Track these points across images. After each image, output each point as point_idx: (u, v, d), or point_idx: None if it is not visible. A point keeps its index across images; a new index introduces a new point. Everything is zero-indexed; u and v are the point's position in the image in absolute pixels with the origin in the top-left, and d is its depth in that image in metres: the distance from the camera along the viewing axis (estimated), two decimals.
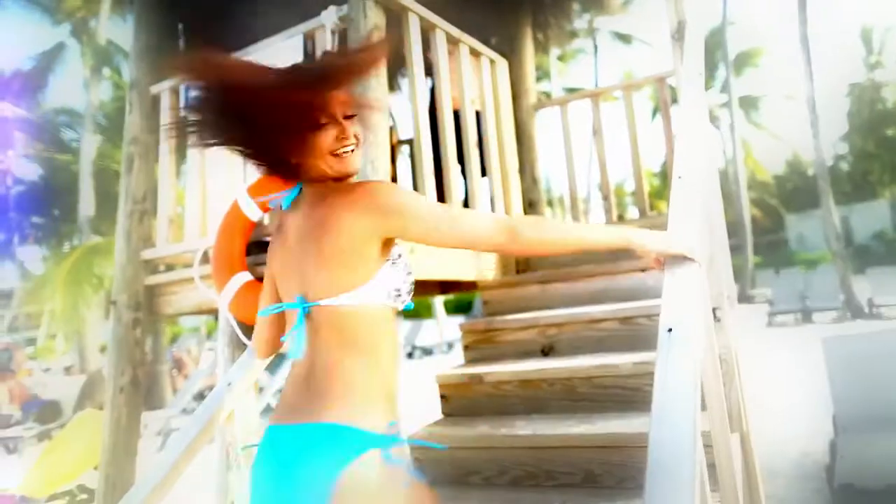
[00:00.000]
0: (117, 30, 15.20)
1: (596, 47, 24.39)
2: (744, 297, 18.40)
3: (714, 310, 1.83)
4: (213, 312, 2.84)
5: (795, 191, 35.71)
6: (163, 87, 3.12)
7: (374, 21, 2.44)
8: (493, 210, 3.23)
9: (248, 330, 2.55)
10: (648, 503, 0.79)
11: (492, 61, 3.31)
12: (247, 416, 1.53)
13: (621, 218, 4.17)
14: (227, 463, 2.13)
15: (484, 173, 3.22)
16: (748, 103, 26.78)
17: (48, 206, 17.65)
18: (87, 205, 14.40)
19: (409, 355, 14.95)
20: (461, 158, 3.07)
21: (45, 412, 10.08)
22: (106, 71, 15.78)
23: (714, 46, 21.46)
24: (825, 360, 4.23)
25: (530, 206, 3.90)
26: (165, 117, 3.06)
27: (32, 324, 22.68)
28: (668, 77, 3.64)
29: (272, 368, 11.27)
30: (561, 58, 23.18)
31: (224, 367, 2.48)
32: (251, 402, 1.56)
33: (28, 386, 11.89)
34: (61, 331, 16.37)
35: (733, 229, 19.47)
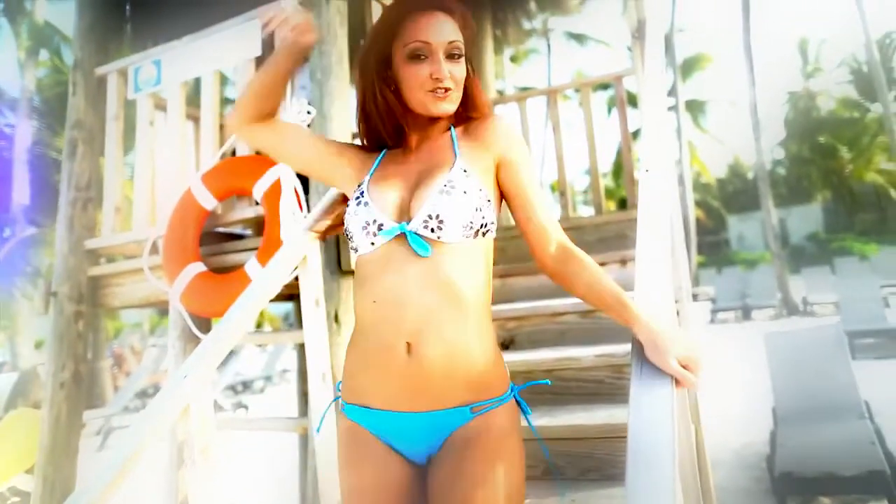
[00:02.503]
0: (56, 10, 14.48)
1: (549, 47, 24.73)
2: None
3: (675, 302, 1.87)
4: (162, 305, 2.73)
5: (736, 193, 37.17)
6: (109, 69, 2.97)
7: (336, 7, 2.39)
8: None
9: (200, 322, 2.46)
10: (631, 493, 0.79)
11: None
12: (203, 410, 1.46)
13: (574, 214, 4.22)
14: (179, 460, 2.05)
15: None
16: (694, 107, 27.67)
17: None
18: (21, 194, 13.66)
19: None
20: None
21: None
22: (44, 53, 15.00)
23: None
24: (767, 354, 4.41)
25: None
26: (112, 100, 2.92)
27: None
28: (626, 76, 3.69)
29: (220, 364, 10.99)
30: (514, 59, 23.39)
31: (176, 361, 2.39)
32: (208, 396, 1.50)
33: None
34: None
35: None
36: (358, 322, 1.12)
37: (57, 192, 3.09)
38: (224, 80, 3.78)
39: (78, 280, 2.88)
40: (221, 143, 2.76)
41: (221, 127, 3.18)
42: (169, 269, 2.43)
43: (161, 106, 2.89)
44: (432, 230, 1.07)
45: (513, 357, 2.26)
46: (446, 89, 1.13)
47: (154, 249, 2.64)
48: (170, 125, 2.76)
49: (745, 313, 13.63)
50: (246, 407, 9.65)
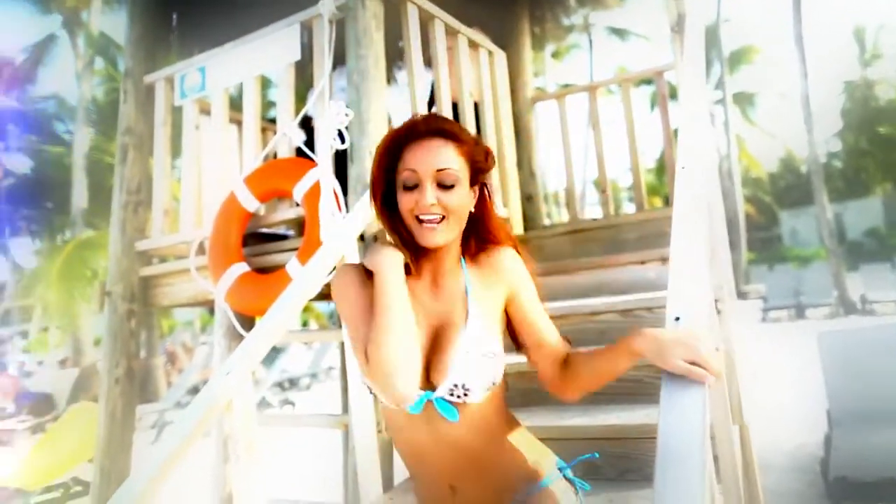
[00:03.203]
0: (110, 21, 15.08)
1: (591, 43, 24.38)
2: (738, 294, 18.49)
3: (715, 301, 1.83)
4: (209, 304, 2.81)
5: (789, 188, 35.90)
6: (157, 77, 3.09)
7: (372, 11, 2.42)
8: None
9: (244, 320, 2.53)
10: (659, 493, 0.78)
11: (490, 53, 3.29)
12: (246, 406, 1.51)
13: (617, 213, 4.17)
14: (225, 455, 2.12)
15: None
16: (743, 100, 26.86)
17: (40, 199, 17.50)
18: (80, 197, 14.30)
19: None
20: None
21: (39, 405, 10.03)
22: (99, 63, 15.64)
23: (709, 44, 21.38)
24: (820, 355, 4.25)
25: (528, 200, 3.89)
26: (160, 106, 3.03)
27: (25, 317, 22.53)
28: (667, 71, 3.62)
29: (267, 362, 11.26)
30: (555, 55, 23.16)
31: (221, 358, 2.46)
32: (249, 392, 1.54)
33: (20, 379, 11.84)
34: (55, 324, 16.27)
35: (728, 226, 19.55)
36: (400, 454, 1.20)
37: (111, 196, 3.22)
38: (267, 84, 3.88)
39: (130, 280, 3.00)
40: (263, 146, 2.84)
41: (263, 130, 3.26)
42: (214, 269, 2.51)
43: (206, 111, 2.98)
44: (458, 397, 1.09)
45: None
46: (437, 219, 1.10)
47: (201, 250, 2.73)
48: (214, 130, 2.84)
49: (799, 312, 13.18)
50: (292, 404, 9.85)
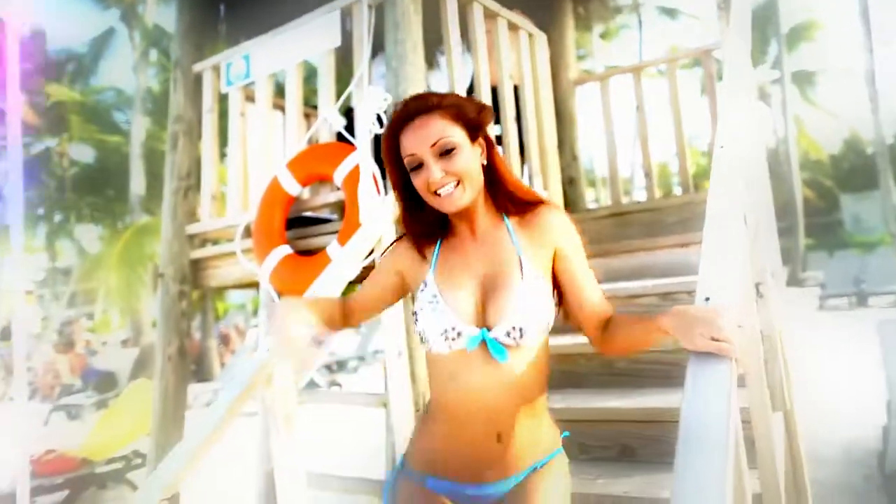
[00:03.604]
0: (163, 13, 15.51)
1: (640, 23, 23.68)
2: (794, 281, 17.83)
3: (757, 285, 1.78)
4: (255, 285, 2.90)
5: (852, 170, 34.17)
6: (205, 66, 3.18)
7: None
8: (531, 186, 3.20)
9: None
10: (679, 473, 0.78)
11: (530, 35, 3.25)
12: (285, 381, 1.57)
13: (667, 196, 4.08)
14: (266, 430, 2.20)
15: (522, 150, 3.18)
16: (802, 79, 25.62)
17: (102, 187, 18.31)
18: (137, 184, 14.90)
19: None
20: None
21: (103, 382, 10.59)
22: (153, 54, 16.15)
23: (765, 20, 20.59)
24: (881, 344, 4.07)
25: (570, 184, 3.85)
26: (208, 94, 3.13)
27: (90, 299, 23.67)
28: (715, 50, 3.51)
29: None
30: (603, 35, 22.56)
31: (265, 337, 2.55)
32: (288, 368, 1.60)
33: (86, 357, 12.49)
34: (116, 306, 17.03)
35: (784, 211, 18.81)
36: (440, 406, 1.22)
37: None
38: (312, 71, 3.93)
39: (181, 263, 3.12)
40: (306, 131, 2.89)
41: (307, 116, 3.32)
42: (258, 251, 2.58)
43: (251, 98, 3.06)
44: (513, 339, 1.14)
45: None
46: (452, 187, 1.16)
47: (247, 233, 2.81)
48: (259, 116, 2.91)
49: (860, 300, 12.65)
50: (340, 385, 10.08)
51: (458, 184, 1.15)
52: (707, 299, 1.03)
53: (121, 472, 4.94)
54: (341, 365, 12.13)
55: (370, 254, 1.98)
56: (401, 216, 1.27)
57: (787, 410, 1.94)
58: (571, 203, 3.73)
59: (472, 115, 1.19)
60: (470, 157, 1.17)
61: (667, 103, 3.58)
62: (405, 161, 1.18)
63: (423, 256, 1.26)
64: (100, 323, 22.56)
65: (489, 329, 1.15)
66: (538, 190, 3.22)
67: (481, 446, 1.17)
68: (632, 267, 2.62)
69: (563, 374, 2.21)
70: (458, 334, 1.15)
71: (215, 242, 3.37)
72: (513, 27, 3.07)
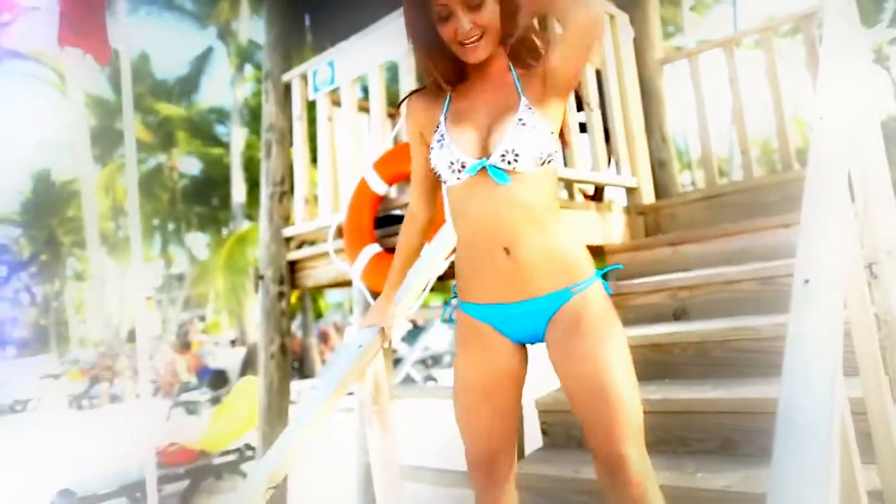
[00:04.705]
0: (256, 28, 16.33)
1: None
2: None
3: (870, 265, 1.65)
4: (349, 284, 3.01)
5: None
6: (293, 75, 3.32)
7: None
8: (618, 174, 3.11)
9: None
10: (775, 469, 0.74)
11: (611, 17, 3.16)
12: (378, 376, 1.62)
13: (769, 173, 3.84)
14: (362, 424, 2.28)
15: (607, 136, 3.10)
16: None
17: (208, 197, 19.60)
18: (238, 193, 15.79)
19: None
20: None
21: (215, 379, 11.34)
22: (248, 68, 17.04)
23: None
24: None
25: (660, 167, 3.70)
26: (297, 101, 3.27)
27: (202, 303, 25.40)
28: (816, 14, 3.26)
29: (410, 339, 11.78)
30: (694, 8, 21.47)
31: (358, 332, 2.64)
32: (380, 364, 1.65)
33: (201, 357, 13.41)
34: (225, 309, 18.18)
35: None
36: (459, 238, 1.36)
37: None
38: (394, 70, 4.02)
39: (279, 264, 3.29)
40: (391, 130, 2.96)
41: (391, 116, 3.40)
42: (349, 251, 2.68)
43: (338, 102, 3.16)
44: (509, 162, 1.24)
45: (685, 328, 2.16)
46: (477, 38, 1.25)
47: (339, 234, 2.92)
48: (345, 120, 3.01)
49: None
50: (435, 380, 10.23)
51: (482, 36, 1.25)
52: (807, 281, 0.97)
53: (235, 464, 5.28)
54: (436, 360, 12.32)
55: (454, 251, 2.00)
56: (424, 65, 1.34)
57: None
58: (662, 188, 3.59)
59: None
60: (495, 13, 1.25)
61: (764, 76, 3.36)
62: (435, 10, 1.24)
63: (437, 104, 1.37)
64: (211, 324, 24.18)
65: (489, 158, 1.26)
66: (626, 177, 3.12)
67: (493, 262, 1.26)
68: (729, 251, 2.49)
69: (657, 364, 2.14)
70: (463, 166, 1.27)
71: (311, 244, 3.52)
72: None
